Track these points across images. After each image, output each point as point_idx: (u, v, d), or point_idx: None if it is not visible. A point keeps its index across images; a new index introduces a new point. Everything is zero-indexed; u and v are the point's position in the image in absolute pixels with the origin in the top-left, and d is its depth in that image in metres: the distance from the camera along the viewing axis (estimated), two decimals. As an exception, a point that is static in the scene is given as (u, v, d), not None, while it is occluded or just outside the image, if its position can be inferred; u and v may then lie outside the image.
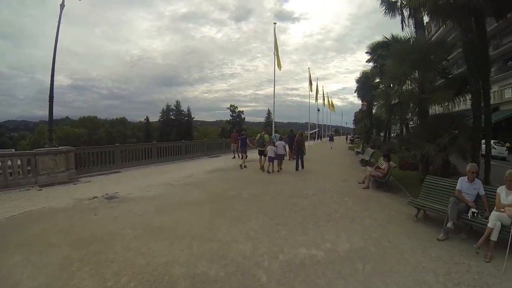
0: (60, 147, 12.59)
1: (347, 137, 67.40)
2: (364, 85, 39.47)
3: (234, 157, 19.90)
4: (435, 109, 12.30)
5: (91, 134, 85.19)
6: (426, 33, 15.03)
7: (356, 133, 71.07)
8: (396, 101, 11.64)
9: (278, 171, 14.50)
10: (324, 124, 75.72)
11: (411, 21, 15.99)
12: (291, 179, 12.40)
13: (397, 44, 12.45)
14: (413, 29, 15.13)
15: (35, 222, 6.83)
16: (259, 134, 16.19)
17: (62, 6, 12.38)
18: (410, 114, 12.83)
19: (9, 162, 10.80)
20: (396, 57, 11.57)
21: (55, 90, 12.47)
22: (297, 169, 14.99)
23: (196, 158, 20.47)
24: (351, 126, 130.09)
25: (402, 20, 16.58)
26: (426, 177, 7.99)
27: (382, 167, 11.27)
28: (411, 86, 11.86)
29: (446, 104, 11.17)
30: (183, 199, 8.84)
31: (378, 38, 31.05)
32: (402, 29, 16.71)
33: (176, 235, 5.92)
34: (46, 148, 12.12)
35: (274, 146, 14.58)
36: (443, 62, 11.60)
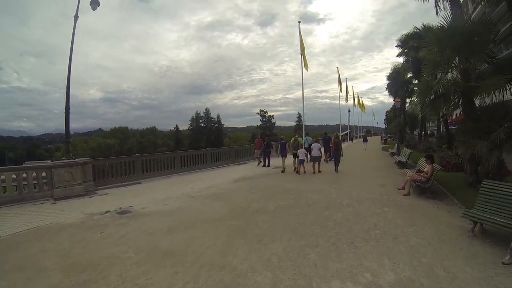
0: (77, 159, 12.17)
1: (381, 137, 65.22)
2: (396, 81, 37.95)
3: (259, 164, 18.97)
4: (482, 100, 10.72)
5: (122, 144, 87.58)
6: (464, 14, 13.23)
7: (389, 133, 68.50)
8: (440, 93, 10.25)
9: (318, 172, 14.90)
10: (355, 125, 73.78)
11: (446, 4, 14.35)
12: (323, 187, 11.30)
13: (435, 29, 10.89)
14: (449, 10, 13.57)
15: (38, 240, 6.42)
16: (293, 138, 16.66)
17: (76, 18, 12.29)
18: (452, 107, 11.40)
19: (24, 175, 10.50)
20: (437, 42, 10.11)
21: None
22: (336, 170, 15.12)
23: (223, 166, 19.67)
24: (383, 125, 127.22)
25: (436, 3, 15.03)
26: (483, 182, 6.60)
27: (425, 170, 10.00)
28: (452, 74, 10.40)
29: (498, 92, 9.49)
30: (201, 215, 8.03)
31: (405, 32, 29.34)
32: (437, 13, 15.16)
33: (184, 261, 5.09)
34: (61, 161, 11.78)
35: (304, 149, 15.35)
36: (490, 44, 9.98)
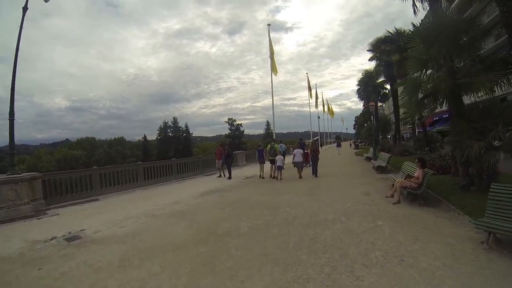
0: (23, 174, 10.39)
1: (353, 142, 66.20)
2: (368, 85, 37.77)
3: (220, 176, 17.41)
4: (471, 99, 10.02)
5: (89, 155, 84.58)
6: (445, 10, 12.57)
7: (361, 137, 68.89)
8: (428, 91, 9.42)
9: (300, 177, 15.02)
10: (325, 132, 74.51)
11: (426, 4, 13.81)
12: (301, 198, 10.07)
13: (422, 25, 10.13)
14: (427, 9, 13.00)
15: None
16: (269, 145, 17.00)
17: (24, 9, 10.79)
18: (438, 106, 10.64)
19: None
20: (424, 38, 9.31)
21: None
22: (314, 174, 15.59)
23: (190, 178, 18.14)
24: (352, 131, 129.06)
25: (414, 3, 14.41)
26: (492, 186, 5.79)
27: (415, 175, 9.01)
28: (438, 73, 9.59)
29: (488, 90, 8.80)
30: (162, 239, 6.57)
31: (371, 40, 29.44)
32: (414, 13, 14.49)
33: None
34: (4, 176, 9.86)
35: (282, 156, 15.87)
36: (478, 41, 9.29)
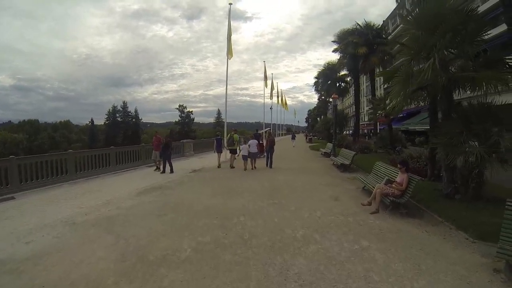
0: None
1: (306, 136, 65.52)
2: (328, 78, 36.89)
3: (157, 169, 14.91)
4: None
5: (32, 139, 77.60)
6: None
7: (315, 131, 68.65)
8: (426, 83, 8.02)
9: (253, 168, 15.12)
10: (276, 124, 74.04)
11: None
12: (259, 204, 8.21)
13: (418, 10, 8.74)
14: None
15: None
16: (229, 134, 16.79)
17: None
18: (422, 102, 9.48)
19: None
20: (421, 25, 8.00)
21: None
22: (267, 165, 15.90)
23: (131, 169, 15.56)
24: (303, 124, 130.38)
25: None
26: (509, 202, 4.50)
27: (398, 180, 7.62)
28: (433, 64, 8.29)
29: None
30: (72, 270, 4.47)
31: (330, 38, 28.82)
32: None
33: None
34: None
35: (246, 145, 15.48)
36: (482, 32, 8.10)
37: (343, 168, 14.58)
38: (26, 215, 7.58)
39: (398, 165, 7.83)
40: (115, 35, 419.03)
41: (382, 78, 37.88)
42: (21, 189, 10.40)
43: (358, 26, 26.75)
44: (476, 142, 7.13)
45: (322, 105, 67.33)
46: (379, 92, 41.73)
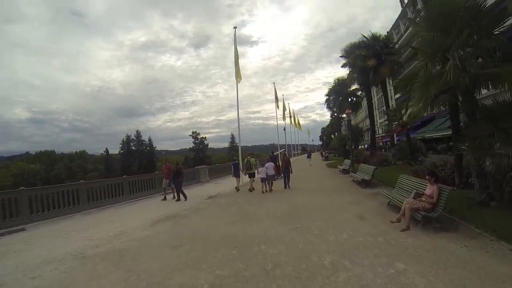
0: None
1: (322, 153, 65.93)
2: (339, 94, 36.52)
3: (165, 199, 14.35)
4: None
5: (48, 170, 78.91)
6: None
7: (330, 148, 68.00)
8: (448, 86, 7.53)
9: (270, 191, 14.80)
10: (290, 144, 74.02)
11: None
12: (281, 230, 7.57)
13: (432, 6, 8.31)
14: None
15: None
16: (246, 159, 16.73)
17: None
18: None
19: None
20: (434, 25, 7.67)
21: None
22: (285, 187, 15.72)
23: (145, 198, 15.22)
24: (317, 142, 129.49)
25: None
26: None
27: (427, 193, 7.07)
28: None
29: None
30: None
31: (336, 56, 28.64)
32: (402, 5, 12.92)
33: None
34: None
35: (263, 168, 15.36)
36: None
37: (364, 184, 13.96)
38: (35, 248, 7.37)
39: (427, 176, 7.28)
40: (125, 67, 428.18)
41: (392, 89, 37.73)
42: (32, 220, 10.36)
43: (364, 39, 26.41)
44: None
45: (335, 122, 66.75)
46: (391, 103, 41.14)
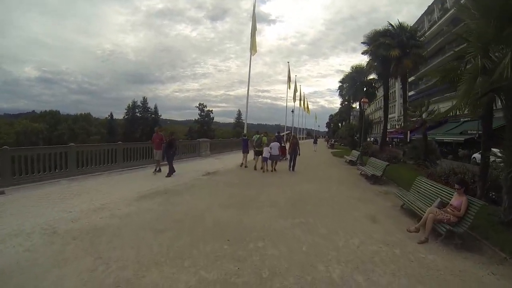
0: None
1: (328, 141, 64.77)
2: (355, 82, 35.16)
3: (156, 170, 12.88)
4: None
5: (51, 130, 78.29)
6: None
7: (337, 136, 66.75)
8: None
9: (273, 170, 15.16)
10: (297, 127, 72.87)
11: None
12: (282, 223, 6.70)
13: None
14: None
15: None
16: (257, 136, 16.52)
17: None
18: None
19: None
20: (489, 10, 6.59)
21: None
22: (290, 169, 15.74)
23: (138, 168, 14.20)
24: (323, 129, 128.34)
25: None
26: None
27: (454, 204, 6.14)
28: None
29: None
30: None
31: (353, 44, 27.12)
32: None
33: None
34: None
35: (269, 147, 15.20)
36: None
37: (373, 179, 13.09)
38: (7, 216, 6.47)
39: (456, 186, 6.32)
40: (139, 33, 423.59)
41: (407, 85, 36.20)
42: (13, 183, 9.35)
43: (390, 27, 25.08)
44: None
45: (345, 110, 65.06)
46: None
